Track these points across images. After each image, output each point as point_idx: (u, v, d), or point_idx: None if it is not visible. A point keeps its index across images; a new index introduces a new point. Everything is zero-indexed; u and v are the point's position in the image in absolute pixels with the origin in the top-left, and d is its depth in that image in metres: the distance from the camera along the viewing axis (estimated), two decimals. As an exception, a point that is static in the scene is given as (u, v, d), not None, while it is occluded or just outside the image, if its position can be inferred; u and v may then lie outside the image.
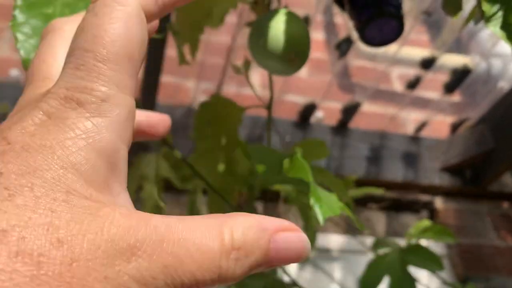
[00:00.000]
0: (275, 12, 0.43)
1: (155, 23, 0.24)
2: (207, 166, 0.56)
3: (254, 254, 0.16)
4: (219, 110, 0.55)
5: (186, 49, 0.50)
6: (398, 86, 1.20)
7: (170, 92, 1.03)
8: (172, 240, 0.16)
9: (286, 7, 0.45)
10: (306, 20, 0.89)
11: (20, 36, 0.31)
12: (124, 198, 0.18)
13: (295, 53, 0.41)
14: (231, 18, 0.58)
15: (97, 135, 0.17)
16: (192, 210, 0.80)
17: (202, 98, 0.90)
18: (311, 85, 1.19)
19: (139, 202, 0.77)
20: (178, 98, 1.02)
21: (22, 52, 0.30)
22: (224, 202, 0.54)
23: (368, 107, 1.15)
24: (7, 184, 0.15)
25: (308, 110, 1.08)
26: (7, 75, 0.95)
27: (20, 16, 0.32)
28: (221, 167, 0.59)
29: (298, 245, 0.17)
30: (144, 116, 0.26)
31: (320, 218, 0.40)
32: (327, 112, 1.12)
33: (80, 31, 0.18)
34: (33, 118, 0.17)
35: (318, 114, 1.11)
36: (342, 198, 0.76)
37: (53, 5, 0.34)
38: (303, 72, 1.21)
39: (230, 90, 1.03)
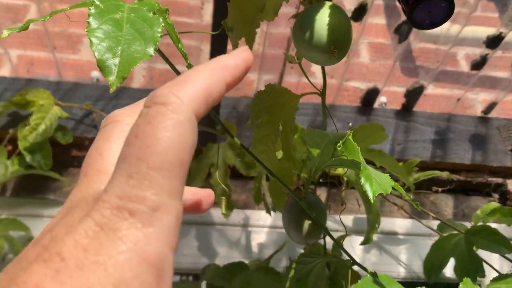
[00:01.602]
0: (319, 5, 0.45)
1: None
2: (265, 151, 0.59)
3: None
4: (275, 98, 0.58)
5: (243, 42, 0.53)
6: (465, 66, 1.16)
7: (234, 84, 1.08)
8: None
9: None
10: (364, 6, 0.89)
11: (94, 40, 0.35)
12: None
13: (336, 46, 0.43)
14: (289, 9, 0.61)
15: (147, 246, 0.17)
16: (257, 196, 0.84)
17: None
18: (373, 70, 1.18)
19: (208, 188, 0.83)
20: (242, 90, 1.07)
21: (96, 54, 0.35)
22: (282, 186, 0.56)
23: (433, 89, 1.12)
24: None
25: (371, 95, 1.08)
26: (89, 76, 1.04)
27: (93, 22, 0.37)
28: (279, 153, 0.61)
29: None
30: (190, 195, 0.27)
31: (370, 195, 0.42)
32: (391, 96, 1.11)
33: (134, 137, 0.18)
34: (86, 230, 0.17)
35: (382, 99, 1.11)
36: (403, 180, 0.77)
37: (120, 11, 0.39)
38: (365, 57, 1.21)
39: (291, 80, 1.06)
